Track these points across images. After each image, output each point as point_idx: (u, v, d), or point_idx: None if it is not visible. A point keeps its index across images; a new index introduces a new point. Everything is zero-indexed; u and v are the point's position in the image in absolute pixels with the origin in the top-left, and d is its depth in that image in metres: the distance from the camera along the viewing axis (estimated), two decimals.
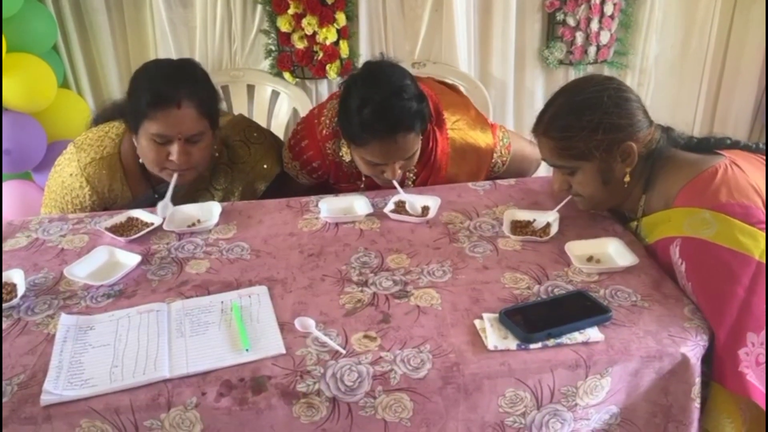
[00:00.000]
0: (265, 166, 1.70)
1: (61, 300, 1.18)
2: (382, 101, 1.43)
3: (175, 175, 1.48)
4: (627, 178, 1.27)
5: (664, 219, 1.22)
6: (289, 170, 1.74)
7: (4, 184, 2.26)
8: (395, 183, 1.51)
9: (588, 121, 1.24)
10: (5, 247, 1.38)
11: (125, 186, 1.58)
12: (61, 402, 0.93)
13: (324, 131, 1.64)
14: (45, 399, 0.93)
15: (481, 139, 1.69)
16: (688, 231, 1.14)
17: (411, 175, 1.66)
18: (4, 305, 1.15)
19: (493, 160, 1.71)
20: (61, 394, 0.94)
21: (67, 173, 1.57)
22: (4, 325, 1.11)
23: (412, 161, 1.55)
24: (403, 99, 1.44)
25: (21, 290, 1.17)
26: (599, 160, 1.26)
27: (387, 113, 1.43)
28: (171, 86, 1.44)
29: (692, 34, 2.72)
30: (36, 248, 1.37)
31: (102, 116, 1.75)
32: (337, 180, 1.72)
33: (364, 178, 1.65)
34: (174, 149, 1.46)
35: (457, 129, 1.66)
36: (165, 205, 1.45)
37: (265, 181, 1.71)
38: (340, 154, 1.63)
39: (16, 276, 1.21)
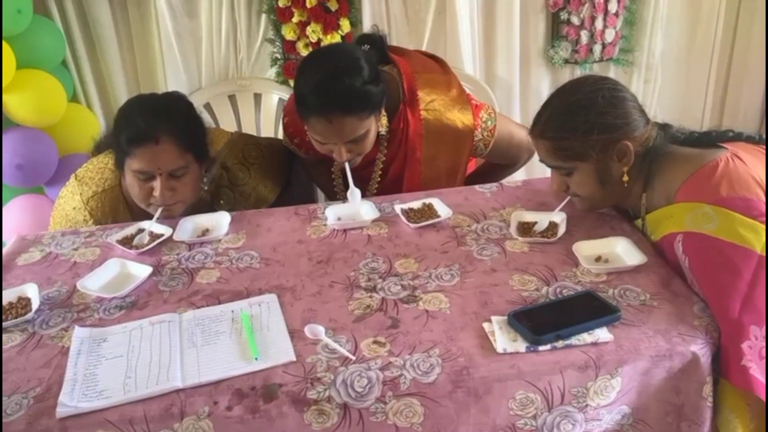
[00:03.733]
0: (264, 188, 1.71)
1: (74, 313, 1.20)
2: (323, 79, 1.43)
3: (160, 209, 1.47)
4: (625, 178, 1.27)
5: (666, 215, 1.22)
6: (289, 147, 1.76)
7: (18, 199, 2.29)
8: (346, 166, 1.52)
9: (583, 122, 1.24)
10: (19, 261, 1.40)
11: (129, 217, 1.58)
12: (77, 414, 0.94)
13: None
14: (61, 411, 0.94)
15: (458, 119, 1.66)
16: (689, 226, 1.13)
17: (381, 156, 1.64)
18: (19, 320, 1.16)
19: (474, 143, 1.68)
20: (76, 407, 0.95)
21: (71, 207, 1.58)
22: (19, 339, 1.13)
23: (362, 146, 1.53)
24: (343, 80, 1.43)
25: (35, 304, 1.19)
26: (595, 161, 1.26)
27: (324, 92, 1.43)
28: (148, 123, 1.43)
29: (698, 28, 2.70)
30: (49, 262, 1.39)
31: (104, 143, 1.72)
32: (315, 153, 1.66)
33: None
34: (156, 185, 1.45)
35: (431, 110, 1.63)
36: (141, 237, 1.43)
37: (266, 204, 1.70)
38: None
39: (30, 290, 1.23)
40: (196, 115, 1.57)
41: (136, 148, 1.43)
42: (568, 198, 1.37)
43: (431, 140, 1.64)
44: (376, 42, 1.70)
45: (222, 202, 1.64)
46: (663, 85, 2.78)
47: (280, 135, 2.48)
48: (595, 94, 1.26)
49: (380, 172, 1.69)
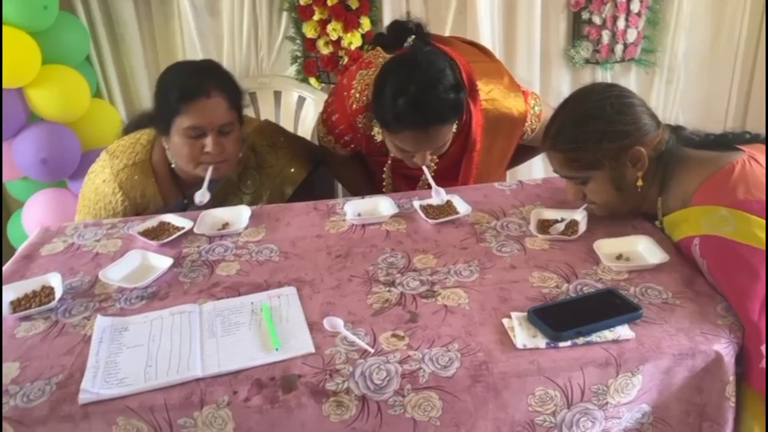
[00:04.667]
0: (292, 170, 1.72)
1: (96, 302, 1.21)
2: (417, 93, 1.42)
3: (210, 168, 1.52)
4: (639, 183, 1.27)
5: (682, 218, 1.21)
6: (325, 144, 1.75)
7: (41, 193, 2.32)
8: (425, 169, 1.52)
9: (593, 131, 1.24)
10: (43, 252, 1.42)
11: (157, 192, 1.62)
12: (99, 400, 0.96)
13: (354, 105, 1.63)
14: (83, 398, 0.96)
15: (514, 107, 1.66)
16: (706, 229, 1.12)
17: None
18: (43, 308, 1.18)
19: (524, 128, 1.69)
20: (98, 393, 0.96)
21: (101, 180, 1.61)
22: (43, 327, 1.14)
23: (443, 149, 1.55)
24: (439, 91, 1.43)
25: (59, 293, 1.21)
26: (609, 168, 1.26)
27: (421, 105, 1.43)
28: (199, 78, 1.50)
29: (722, 29, 2.67)
30: (72, 253, 1.41)
31: (132, 125, 1.79)
32: (369, 151, 1.71)
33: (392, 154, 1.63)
34: (208, 140, 1.50)
35: (491, 99, 1.63)
36: (203, 192, 1.52)
37: (293, 185, 1.72)
38: (372, 132, 1.62)
39: (53, 280, 1.25)
40: (236, 80, 1.62)
41: (187, 104, 1.47)
42: (585, 205, 1.36)
43: (490, 130, 1.64)
44: (416, 31, 1.68)
45: (249, 182, 1.67)
46: (685, 87, 2.75)
47: (300, 134, 2.53)
48: (603, 102, 1.26)
49: (437, 159, 1.65)
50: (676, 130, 1.31)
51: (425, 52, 1.53)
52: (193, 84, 1.48)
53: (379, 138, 1.60)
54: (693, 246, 1.16)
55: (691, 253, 1.18)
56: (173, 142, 1.53)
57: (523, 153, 1.85)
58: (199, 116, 1.48)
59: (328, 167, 1.86)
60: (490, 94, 1.63)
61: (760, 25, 2.64)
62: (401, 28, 1.70)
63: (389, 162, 1.68)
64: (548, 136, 1.32)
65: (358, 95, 1.62)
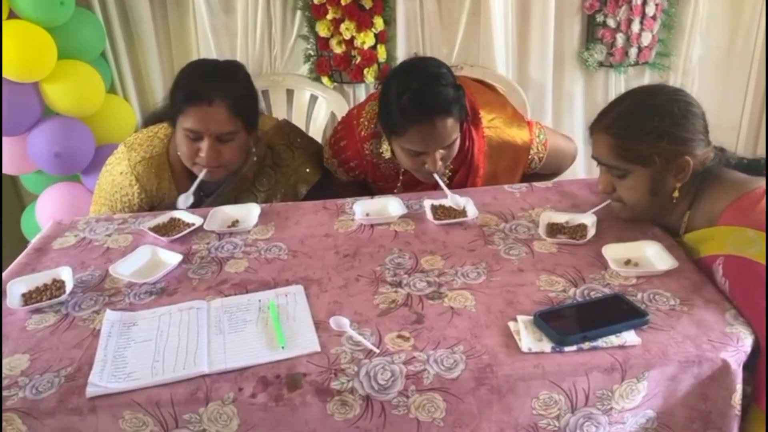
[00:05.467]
0: (307, 170, 1.74)
1: (106, 297, 1.23)
2: (420, 87, 1.47)
3: (204, 171, 1.53)
4: (676, 194, 1.26)
5: (707, 237, 1.20)
6: (328, 166, 1.78)
7: (54, 187, 2.35)
8: (436, 176, 1.53)
9: (656, 126, 1.23)
10: (55, 245, 1.44)
11: (172, 185, 1.64)
12: (106, 394, 0.97)
13: (363, 132, 1.67)
14: (90, 391, 0.97)
15: (518, 136, 1.69)
16: (731, 249, 1.12)
17: (448, 171, 1.66)
18: (53, 301, 1.20)
19: (530, 157, 1.71)
20: (105, 387, 0.97)
21: (118, 171, 1.63)
22: (53, 320, 1.16)
23: (452, 151, 1.56)
24: (441, 84, 1.48)
25: (69, 287, 1.23)
26: (654, 169, 1.25)
27: (425, 98, 1.46)
28: (205, 84, 1.50)
29: (738, 34, 2.64)
30: (83, 247, 1.42)
31: (151, 118, 1.82)
32: (375, 179, 1.74)
33: (401, 177, 1.66)
34: (204, 146, 1.51)
35: (493, 127, 1.67)
36: (186, 196, 1.52)
37: (307, 185, 1.74)
38: (380, 152, 1.65)
39: (64, 273, 1.27)
40: (251, 85, 1.62)
41: (189, 106, 1.49)
42: (607, 202, 1.35)
43: (493, 157, 1.68)
44: None
45: (264, 180, 1.68)
46: (700, 91, 2.72)
47: (311, 133, 2.53)
48: (672, 103, 1.25)
49: (451, 166, 1.68)
50: (721, 150, 1.31)
51: (423, 57, 1.60)
52: (199, 89, 1.49)
53: (387, 155, 1.63)
54: (716, 265, 1.15)
55: (711, 271, 1.17)
56: (177, 136, 1.57)
57: (535, 181, 1.86)
58: (198, 122, 1.49)
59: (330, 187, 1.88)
60: (492, 122, 1.68)
61: None
62: None
63: (399, 184, 1.70)
64: (604, 118, 1.30)
65: (366, 123, 1.68)
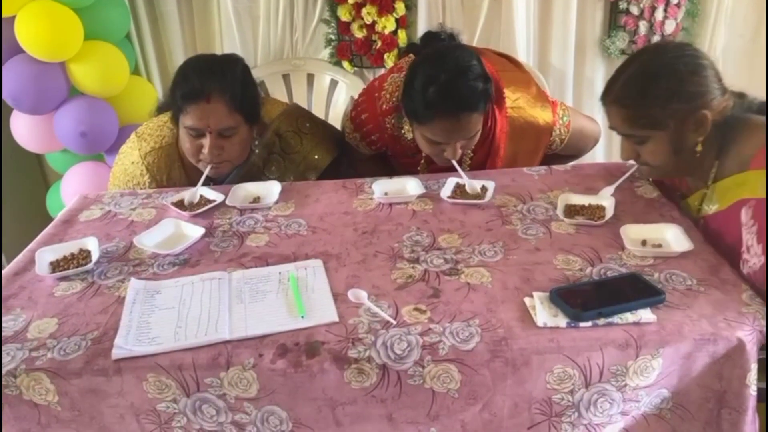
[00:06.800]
0: (316, 157, 1.74)
1: (130, 267, 1.26)
2: (448, 81, 1.44)
3: (209, 167, 1.53)
4: (699, 147, 1.24)
5: (738, 182, 1.19)
6: (350, 140, 1.77)
7: (79, 165, 2.40)
8: (454, 163, 1.53)
9: (664, 89, 1.21)
10: (81, 218, 1.47)
11: (183, 175, 1.65)
12: (131, 357, 1.00)
13: (384, 106, 1.66)
14: (116, 353, 1.00)
15: (540, 116, 1.67)
16: (763, 192, 1.10)
17: (469, 152, 1.65)
18: (80, 269, 1.23)
19: (552, 138, 1.70)
20: (131, 349, 1.00)
21: (129, 161, 1.65)
22: (79, 287, 1.20)
23: (473, 141, 1.56)
24: (469, 79, 1.46)
25: (95, 256, 1.26)
26: (672, 130, 1.23)
27: (452, 93, 1.44)
28: (202, 81, 1.49)
29: (763, 23, 2.60)
30: (108, 220, 1.46)
31: (165, 105, 1.81)
32: (395, 153, 1.74)
33: (424, 153, 1.66)
34: (206, 142, 1.51)
35: (517, 107, 1.65)
36: (193, 193, 1.50)
37: (316, 172, 1.73)
38: (402, 130, 1.65)
39: (90, 243, 1.30)
40: (250, 78, 1.61)
41: (188, 105, 1.49)
42: (635, 167, 1.34)
43: (514, 138, 1.66)
44: (448, 41, 1.71)
45: (273, 168, 1.69)
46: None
47: (331, 117, 2.55)
48: (677, 60, 1.22)
49: (471, 154, 1.68)
50: (740, 96, 1.28)
51: (453, 46, 1.56)
52: (196, 86, 1.48)
53: (409, 136, 1.63)
54: (746, 208, 1.14)
55: (737, 218, 1.15)
56: (180, 134, 1.57)
57: (555, 161, 1.86)
58: (198, 119, 1.49)
59: (351, 163, 1.88)
60: (516, 102, 1.65)
61: None
62: (434, 38, 1.73)
63: (423, 162, 1.69)
64: (612, 89, 1.28)
65: (388, 96, 1.66)
